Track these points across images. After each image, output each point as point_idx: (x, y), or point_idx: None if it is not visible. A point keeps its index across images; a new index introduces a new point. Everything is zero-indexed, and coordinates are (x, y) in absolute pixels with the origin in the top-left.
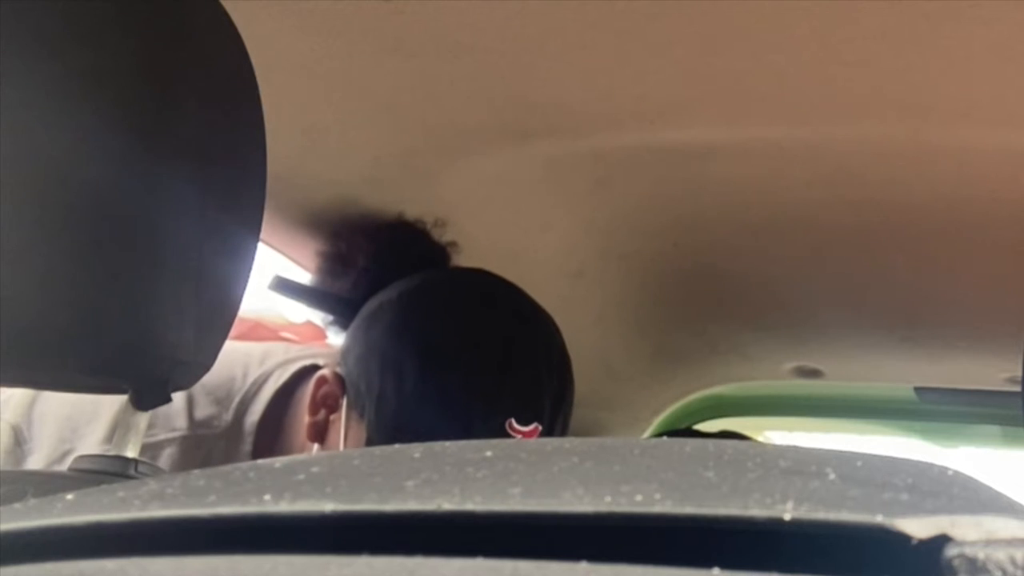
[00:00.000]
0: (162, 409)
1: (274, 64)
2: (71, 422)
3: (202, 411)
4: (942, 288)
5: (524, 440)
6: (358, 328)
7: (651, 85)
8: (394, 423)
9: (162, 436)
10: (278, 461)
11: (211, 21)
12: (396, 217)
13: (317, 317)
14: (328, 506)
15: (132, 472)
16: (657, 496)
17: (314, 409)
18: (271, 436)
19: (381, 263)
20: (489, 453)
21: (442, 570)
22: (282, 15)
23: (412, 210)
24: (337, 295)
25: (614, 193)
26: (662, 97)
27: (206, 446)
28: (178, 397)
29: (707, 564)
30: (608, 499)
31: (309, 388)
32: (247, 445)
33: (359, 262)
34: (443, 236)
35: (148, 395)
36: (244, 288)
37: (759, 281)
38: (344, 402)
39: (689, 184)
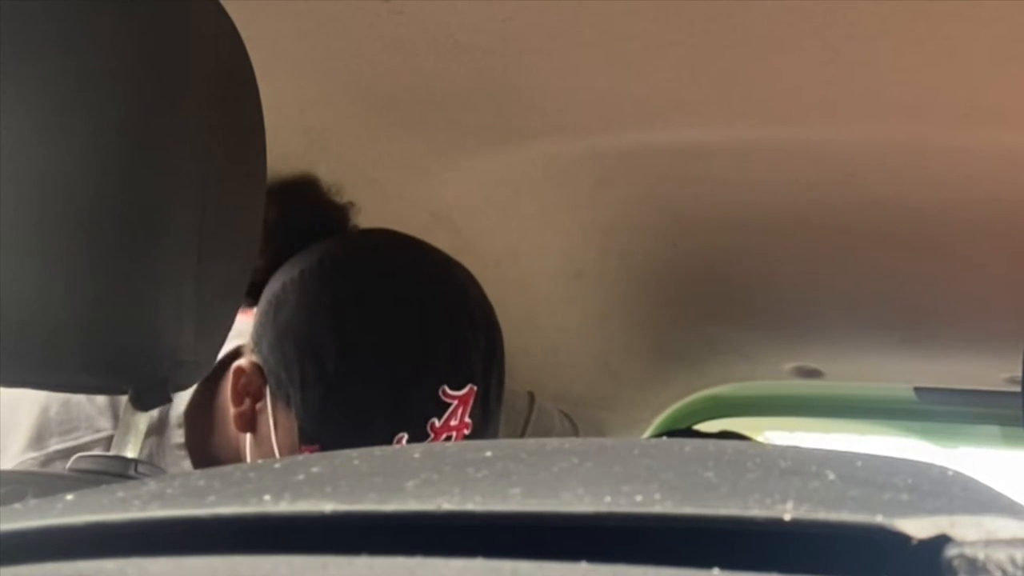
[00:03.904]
0: (84, 410)
1: (274, 64)
2: None
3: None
4: (942, 288)
5: (524, 440)
6: (265, 313)
7: (651, 85)
8: (322, 408)
9: (87, 438)
10: (278, 461)
11: (211, 21)
12: (281, 185)
13: None
14: (328, 506)
15: (132, 472)
16: (657, 496)
17: (238, 400)
18: (204, 424)
19: (268, 240)
20: (489, 453)
21: (442, 570)
22: (282, 15)
23: (412, 210)
24: None
25: (614, 193)
26: (662, 97)
27: None
28: (99, 397)
29: (707, 564)
30: (608, 499)
31: (230, 377)
32: (176, 437)
33: None
34: (339, 198)
35: (148, 395)
36: (244, 288)
37: (759, 281)
38: (267, 391)
39: (689, 184)
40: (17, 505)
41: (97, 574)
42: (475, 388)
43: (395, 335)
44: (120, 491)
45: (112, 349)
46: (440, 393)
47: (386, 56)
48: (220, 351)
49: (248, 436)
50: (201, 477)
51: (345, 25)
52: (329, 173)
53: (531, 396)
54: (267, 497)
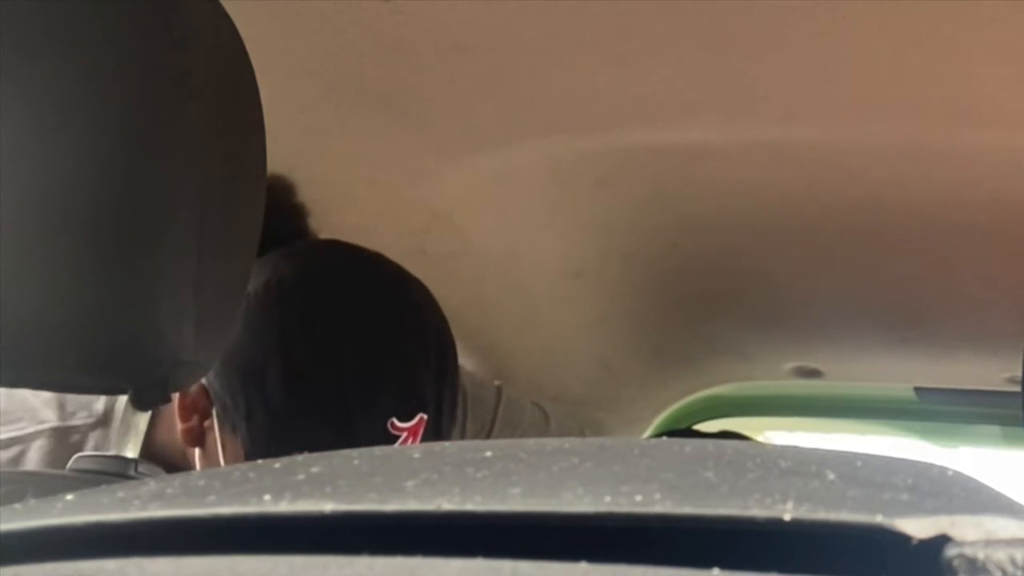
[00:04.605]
0: (28, 403)
1: (274, 64)
2: None
3: (72, 402)
4: (942, 288)
5: (524, 440)
6: None
7: (651, 85)
8: (267, 439)
9: (31, 429)
10: (278, 461)
11: (211, 21)
12: None
13: None
14: (328, 506)
15: (132, 472)
16: (657, 496)
17: (185, 416)
18: (151, 423)
19: None
20: (489, 453)
21: (442, 570)
22: (282, 15)
23: (412, 210)
24: None
25: (614, 193)
26: (662, 97)
27: (78, 436)
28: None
29: (707, 564)
30: (608, 499)
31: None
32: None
33: None
34: (295, 199)
35: (148, 395)
36: (244, 288)
37: (759, 281)
38: (214, 412)
39: (689, 184)
40: (17, 505)
41: (97, 574)
42: (425, 417)
43: (343, 369)
44: (120, 491)
45: (112, 349)
46: (388, 426)
47: (386, 56)
48: (221, 351)
49: (196, 451)
50: (201, 477)
51: (345, 25)
52: (329, 173)
53: (499, 389)
54: (267, 497)
